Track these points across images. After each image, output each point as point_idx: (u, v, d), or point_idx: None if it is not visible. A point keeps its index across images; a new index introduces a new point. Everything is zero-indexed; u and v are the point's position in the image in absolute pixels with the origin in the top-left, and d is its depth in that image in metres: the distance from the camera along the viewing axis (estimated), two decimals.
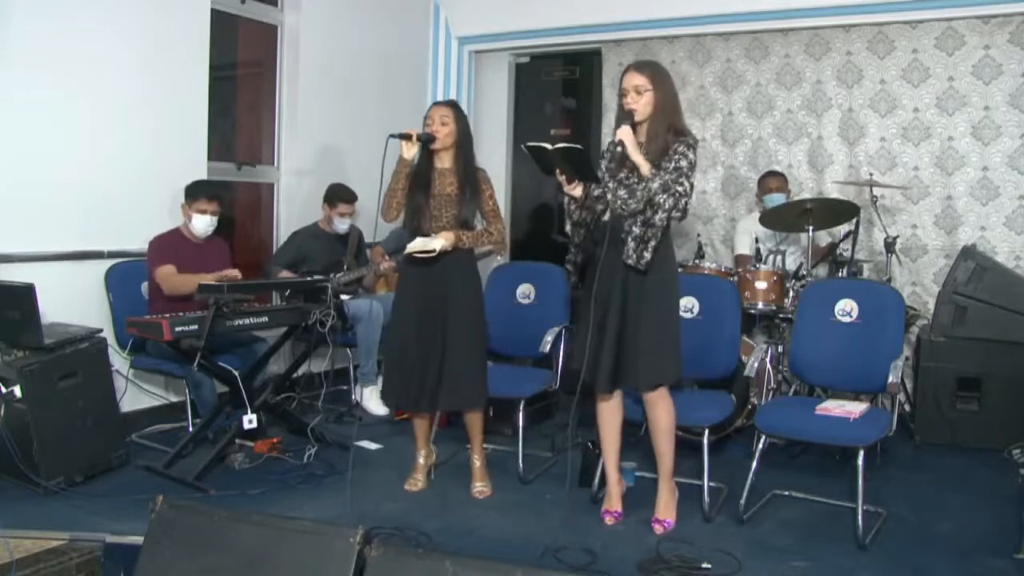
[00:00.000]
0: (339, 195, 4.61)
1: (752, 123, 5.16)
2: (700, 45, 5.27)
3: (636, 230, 2.90)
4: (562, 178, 2.93)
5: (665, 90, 2.98)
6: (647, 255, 2.89)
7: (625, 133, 2.91)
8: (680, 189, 2.87)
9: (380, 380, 4.52)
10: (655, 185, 2.85)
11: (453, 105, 3.37)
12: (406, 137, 3.23)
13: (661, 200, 2.85)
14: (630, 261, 2.91)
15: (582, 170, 2.91)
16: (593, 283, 2.97)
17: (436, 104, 3.41)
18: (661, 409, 3.04)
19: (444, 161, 3.33)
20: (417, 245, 3.22)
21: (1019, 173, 4.50)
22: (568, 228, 3.12)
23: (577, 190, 2.96)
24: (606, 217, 3.02)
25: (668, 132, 2.95)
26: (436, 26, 5.96)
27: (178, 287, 3.76)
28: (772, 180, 4.66)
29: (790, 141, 5.06)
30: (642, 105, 2.94)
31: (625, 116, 2.96)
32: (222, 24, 4.56)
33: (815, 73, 4.96)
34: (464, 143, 3.34)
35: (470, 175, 3.32)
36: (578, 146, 2.89)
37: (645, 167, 2.88)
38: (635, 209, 2.89)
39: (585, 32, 5.51)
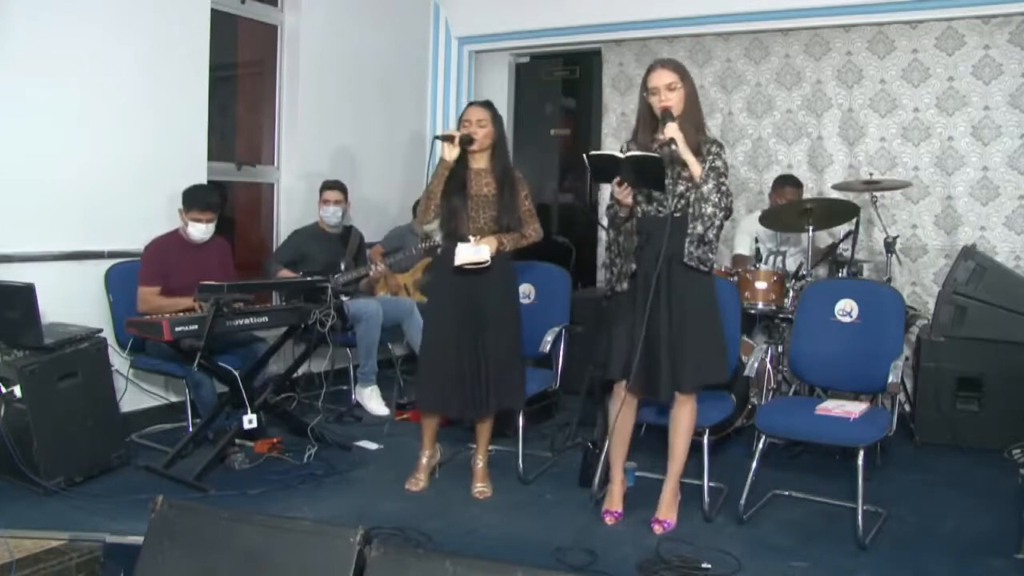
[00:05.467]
0: (323, 185, 4.62)
1: (752, 123, 5.17)
2: (700, 45, 5.27)
3: (695, 232, 2.87)
4: (618, 186, 2.86)
5: (691, 87, 2.96)
6: (709, 254, 2.88)
7: (675, 130, 2.84)
8: (725, 188, 2.89)
9: (376, 384, 4.56)
10: (707, 187, 2.85)
11: (489, 105, 3.32)
12: (449, 139, 3.20)
13: (716, 200, 2.84)
14: (692, 263, 2.89)
15: (652, 180, 2.83)
16: (634, 289, 2.95)
17: (472, 104, 3.35)
18: (688, 410, 3.04)
19: (480, 162, 3.29)
20: (466, 256, 3.15)
21: (1019, 173, 4.50)
22: (607, 238, 3.07)
23: (629, 197, 2.90)
24: (637, 214, 2.98)
25: (697, 131, 2.94)
26: (436, 26, 5.96)
27: (154, 310, 3.74)
28: (790, 191, 4.56)
29: (790, 141, 5.06)
30: (676, 102, 2.90)
31: (667, 116, 2.87)
32: (222, 24, 4.56)
33: (815, 73, 4.96)
34: (500, 144, 3.31)
35: (508, 177, 3.29)
36: (655, 155, 2.81)
37: (697, 168, 2.86)
38: (703, 212, 2.85)
39: (585, 32, 5.51)
